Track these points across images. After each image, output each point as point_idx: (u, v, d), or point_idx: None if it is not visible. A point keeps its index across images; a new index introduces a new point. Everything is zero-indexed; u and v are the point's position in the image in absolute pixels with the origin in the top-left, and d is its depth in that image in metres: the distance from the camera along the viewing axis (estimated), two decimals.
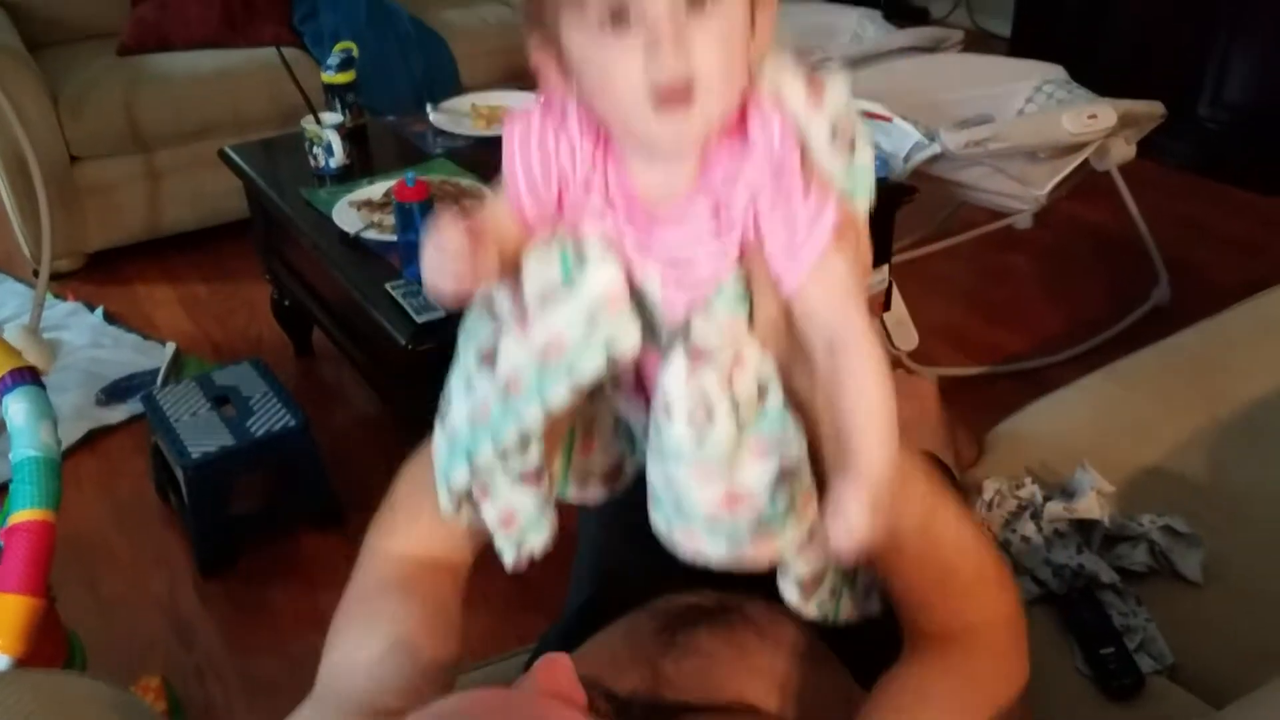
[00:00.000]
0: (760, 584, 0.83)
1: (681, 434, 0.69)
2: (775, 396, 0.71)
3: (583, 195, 0.70)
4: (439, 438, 0.79)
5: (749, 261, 0.69)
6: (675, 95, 0.62)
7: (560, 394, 0.70)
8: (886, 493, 0.67)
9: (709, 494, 0.72)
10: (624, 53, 0.62)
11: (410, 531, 0.89)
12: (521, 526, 0.78)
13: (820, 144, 0.68)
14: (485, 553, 0.85)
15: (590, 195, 0.70)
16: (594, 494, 0.83)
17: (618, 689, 0.80)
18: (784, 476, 0.71)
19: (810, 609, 0.80)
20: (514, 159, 0.70)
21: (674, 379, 0.69)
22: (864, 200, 0.73)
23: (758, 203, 0.67)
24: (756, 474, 0.71)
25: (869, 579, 0.84)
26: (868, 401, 0.67)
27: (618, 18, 0.61)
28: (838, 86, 0.70)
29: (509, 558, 0.79)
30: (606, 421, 0.82)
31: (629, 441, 0.82)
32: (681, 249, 0.68)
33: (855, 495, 0.66)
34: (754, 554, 0.74)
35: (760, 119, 0.66)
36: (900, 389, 1.16)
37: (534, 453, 0.75)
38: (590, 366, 0.69)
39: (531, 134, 0.70)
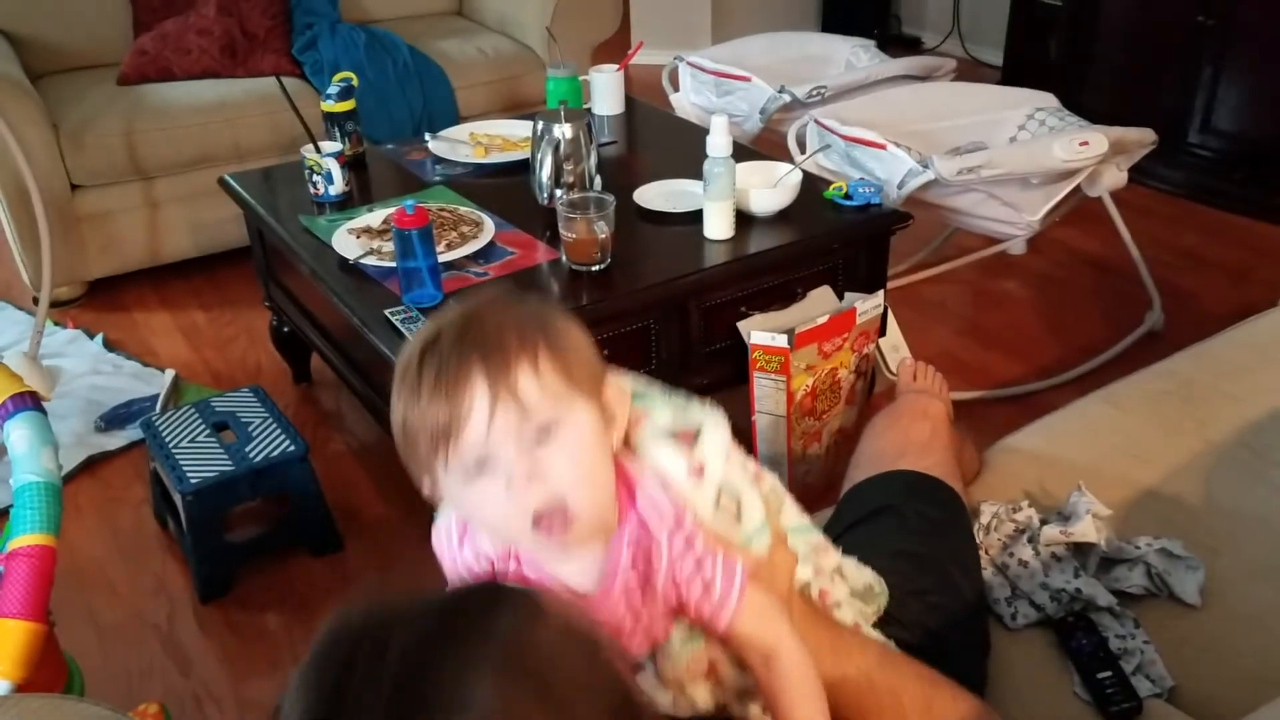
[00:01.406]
0: None
1: (664, 703, 0.83)
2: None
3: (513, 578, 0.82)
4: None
5: (685, 614, 0.79)
6: (550, 517, 0.72)
7: None
8: None
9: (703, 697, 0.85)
10: (492, 490, 0.71)
11: None
12: None
13: (707, 513, 0.79)
14: None
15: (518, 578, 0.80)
16: None
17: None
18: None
19: None
20: (445, 563, 0.82)
21: (647, 684, 0.81)
22: (762, 540, 0.82)
23: (675, 572, 0.77)
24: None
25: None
26: (799, 699, 0.79)
27: (480, 466, 0.70)
28: (715, 455, 0.80)
29: None
30: None
31: None
32: (617, 622, 0.77)
33: None
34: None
35: (650, 505, 0.76)
36: (912, 408, 1.27)
37: None
38: None
39: (450, 545, 0.82)
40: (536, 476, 0.70)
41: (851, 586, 0.96)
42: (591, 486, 0.74)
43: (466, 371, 0.69)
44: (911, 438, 1.33)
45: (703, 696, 0.84)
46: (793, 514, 0.90)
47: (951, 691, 0.91)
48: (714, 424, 0.81)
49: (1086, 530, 1.26)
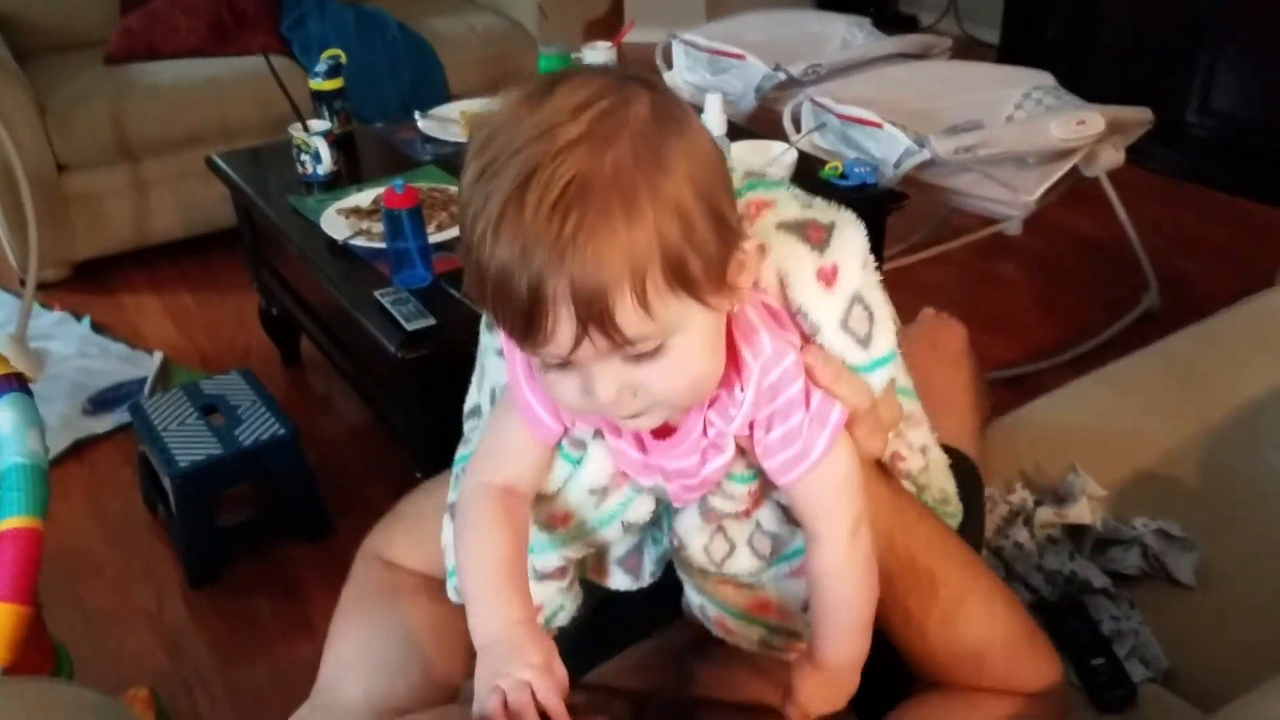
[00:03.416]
0: None
1: (699, 559, 0.72)
2: None
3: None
4: (448, 526, 0.77)
5: (750, 454, 0.67)
6: (625, 416, 0.61)
7: (577, 551, 0.75)
8: (845, 683, 0.69)
9: (736, 599, 0.74)
10: (572, 385, 0.59)
11: (415, 552, 0.88)
12: (547, 615, 0.78)
13: (830, 332, 0.65)
14: None
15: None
16: (621, 582, 0.82)
17: (641, 686, 0.81)
18: None
19: None
20: (521, 388, 0.67)
21: (688, 524, 0.71)
22: (882, 375, 0.67)
23: (753, 423, 0.64)
24: (795, 591, 0.72)
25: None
26: (835, 598, 0.67)
27: (561, 365, 0.59)
28: (852, 257, 0.65)
29: None
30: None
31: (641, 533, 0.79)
32: (679, 463, 0.66)
33: (808, 684, 0.68)
34: (785, 655, 0.77)
35: (751, 345, 0.62)
36: (929, 337, 1.10)
37: (553, 556, 0.75)
38: (606, 536, 0.73)
39: (530, 366, 0.67)
40: (629, 391, 0.58)
41: (930, 483, 0.82)
42: (696, 393, 0.61)
43: (546, 290, 0.53)
44: (931, 380, 1.09)
45: (743, 549, 0.72)
46: (901, 373, 0.75)
47: (990, 598, 0.78)
48: (848, 221, 0.66)
49: (1081, 512, 1.25)
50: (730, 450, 0.65)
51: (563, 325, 0.54)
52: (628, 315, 0.54)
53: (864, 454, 0.67)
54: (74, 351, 2.58)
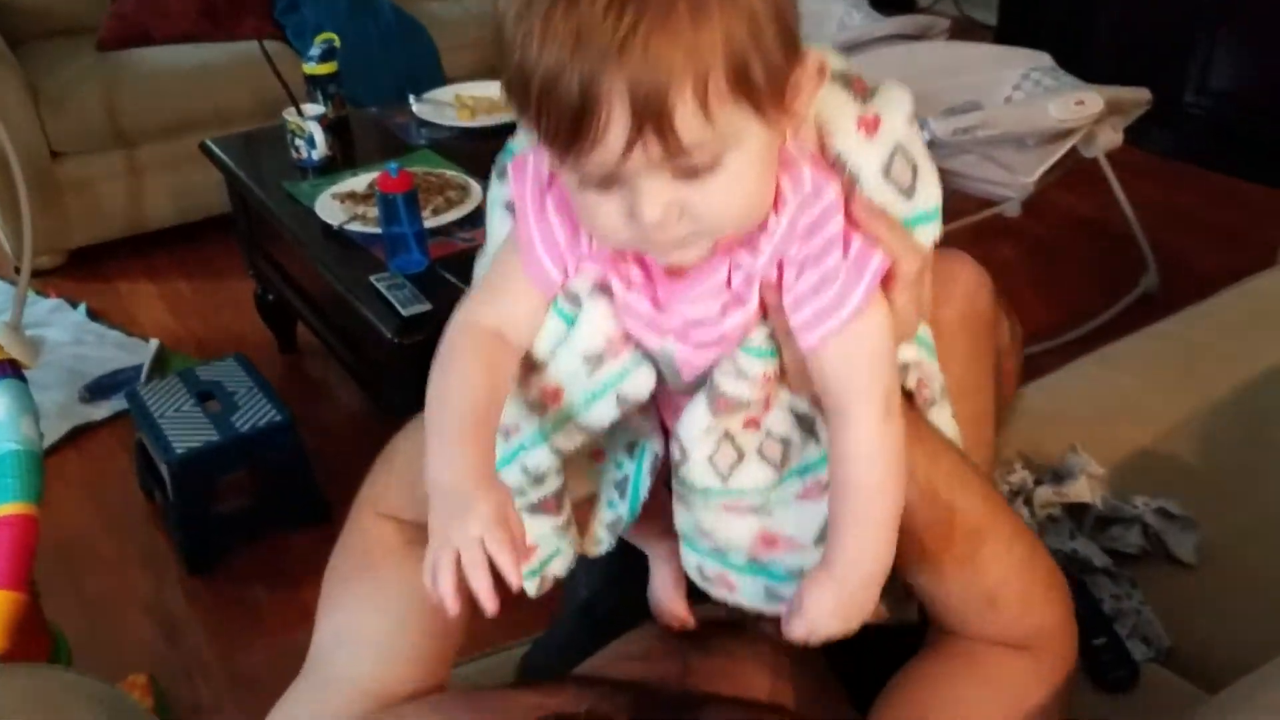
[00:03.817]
0: None
1: (703, 475, 0.66)
2: (826, 432, 0.64)
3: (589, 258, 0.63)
4: None
5: (773, 314, 0.61)
6: (669, 241, 0.56)
7: (569, 440, 0.67)
8: (862, 599, 0.60)
9: (740, 533, 0.68)
10: (614, 209, 0.55)
11: (407, 500, 0.81)
12: (543, 557, 0.74)
13: (871, 180, 0.60)
14: None
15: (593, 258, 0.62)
16: (604, 536, 0.78)
17: (640, 676, 0.79)
18: None
19: None
20: (529, 225, 0.62)
21: (693, 425, 0.65)
22: (929, 231, 0.62)
23: (783, 262, 0.59)
24: (805, 517, 0.67)
25: (907, 587, 0.79)
26: (856, 498, 0.60)
27: (604, 182, 0.54)
28: (896, 111, 0.61)
29: (531, 588, 0.74)
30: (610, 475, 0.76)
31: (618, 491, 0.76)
32: (697, 310, 0.61)
33: (820, 595, 0.60)
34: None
35: (791, 177, 0.58)
36: (942, 274, 0.92)
37: (552, 483, 0.70)
38: (599, 415, 0.65)
39: (530, 186, 0.63)
40: (677, 213, 0.54)
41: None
42: (747, 218, 0.56)
43: (600, 87, 0.49)
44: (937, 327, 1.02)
45: (752, 457, 0.66)
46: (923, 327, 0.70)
47: (1010, 541, 0.72)
48: (897, 85, 0.62)
49: (1081, 490, 1.25)
50: (753, 304, 0.60)
51: (615, 126, 0.50)
52: (687, 118, 0.50)
53: (899, 328, 0.61)
54: (70, 339, 2.57)
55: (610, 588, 1.03)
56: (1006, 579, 0.72)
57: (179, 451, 1.84)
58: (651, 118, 0.50)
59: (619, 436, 0.73)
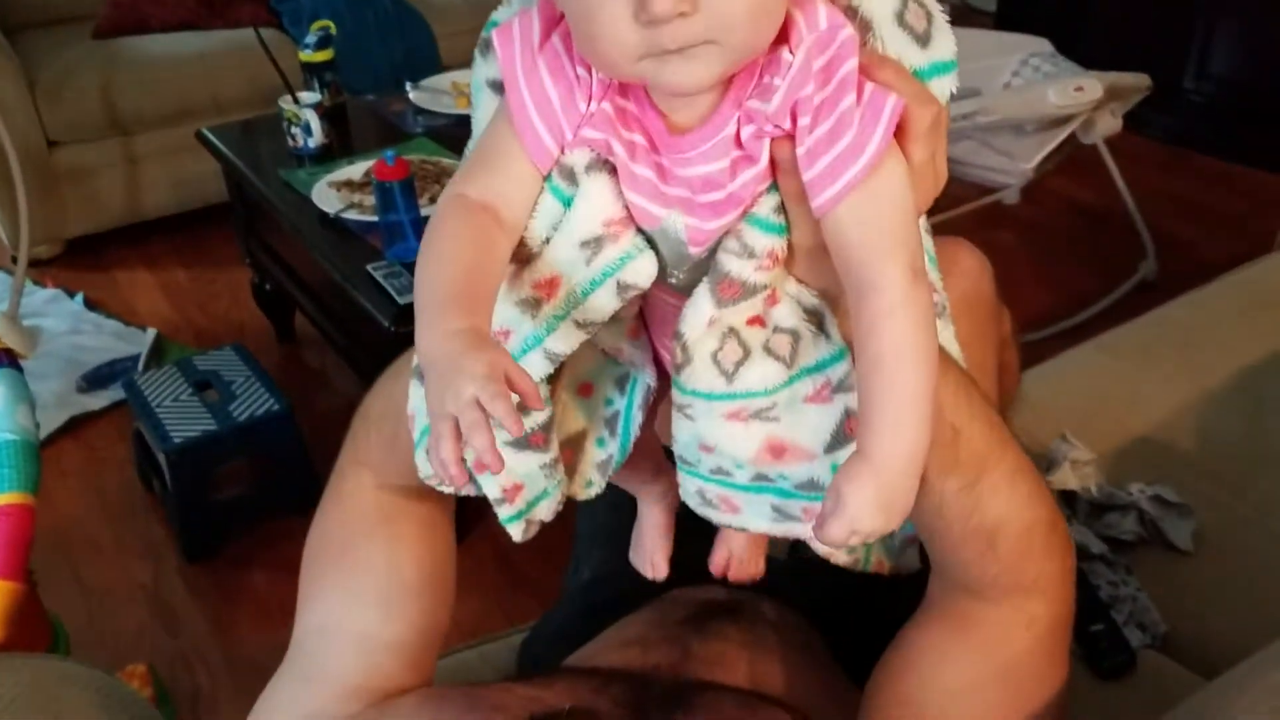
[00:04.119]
0: (765, 586, 0.82)
1: (707, 376, 0.61)
2: (836, 329, 0.60)
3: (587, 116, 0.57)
4: (415, 392, 0.68)
5: (783, 178, 0.55)
6: (679, 44, 0.50)
7: (566, 342, 0.61)
8: (903, 488, 0.55)
9: (746, 443, 0.62)
10: (618, 7, 0.50)
11: (389, 460, 0.76)
12: (529, 498, 0.68)
13: (885, 26, 0.56)
14: (469, 536, 0.80)
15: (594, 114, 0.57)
16: (595, 478, 0.73)
17: (638, 664, 0.79)
18: (852, 430, 0.59)
19: (841, 555, 0.74)
20: (520, 89, 0.57)
21: (696, 319, 0.59)
22: (944, 85, 0.57)
23: (797, 107, 0.53)
24: (814, 423, 0.61)
25: (908, 533, 0.75)
26: (890, 370, 0.54)
27: None
28: None
29: (516, 532, 0.70)
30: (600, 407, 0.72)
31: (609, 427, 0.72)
32: (702, 168, 0.55)
33: (859, 486, 0.54)
34: (803, 530, 0.65)
35: (806, 12, 0.53)
36: (943, 257, 0.82)
37: (540, 414, 0.64)
38: (598, 305, 0.60)
39: (535, 66, 0.57)
40: (690, 3, 0.49)
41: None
42: (760, 24, 0.51)
43: None
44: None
45: (759, 353, 0.61)
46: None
47: (1014, 476, 0.67)
48: None
49: (1065, 478, 1.25)
50: (764, 161, 0.55)
51: None
52: None
53: (917, 188, 0.56)
54: (67, 328, 2.57)
55: (614, 574, 1.02)
56: (1007, 517, 0.67)
57: (177, 441, 1.84)
58: None
59: (609, 370, 0.70)
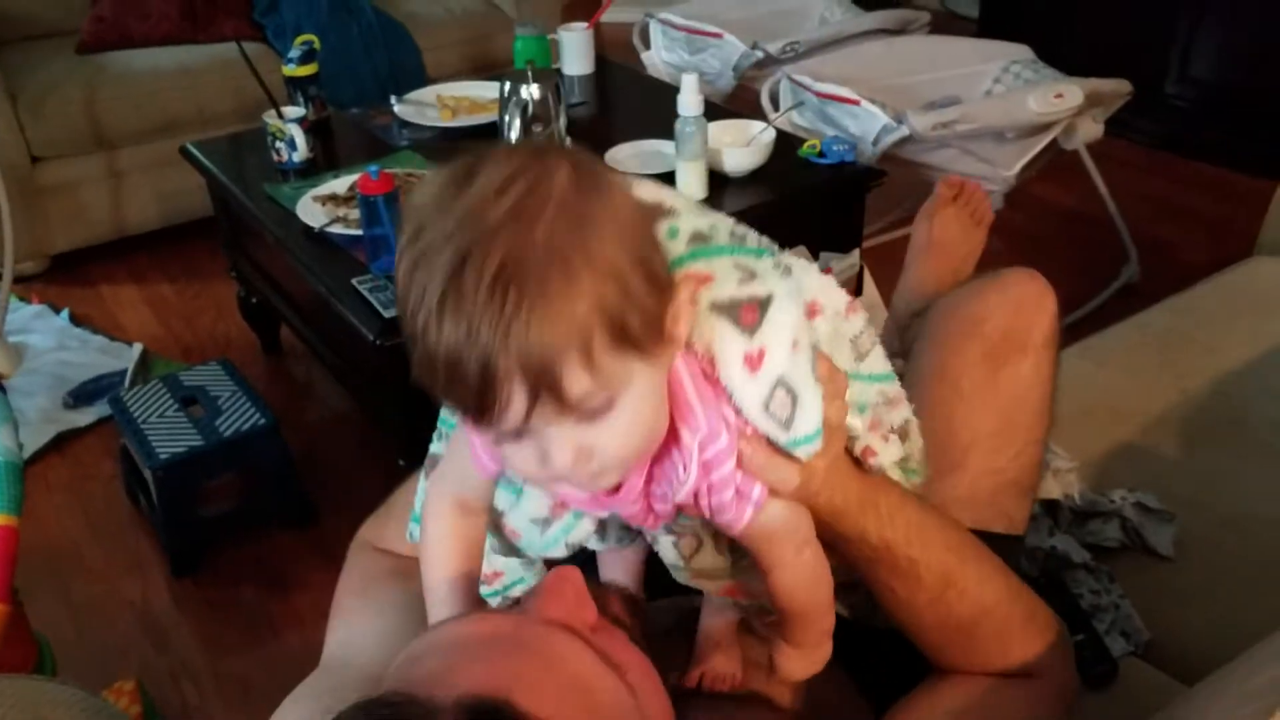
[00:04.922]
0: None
1: (669, 554, 0.76)
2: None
3: None
4: (423, 486, 0.80)
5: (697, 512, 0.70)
6: (577, 482, 0.63)
7: (529, 561, 0.80)
8: (821, 651, 0.75)
9: (709, 586, 0.79)
10: (527, 455, 0.60)
11: (400, 535, 0.90)
12: (507, 582, 0.81)
13: (754, 412, 0.66)
14: None
15: None
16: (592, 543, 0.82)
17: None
18: None
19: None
20: (466, 431, 0.70)
21: (658, 536, 0.75)
22: (810, 448, 0.68)
23: (697, 487, 0.67)
24: (759, 584, 0.74)
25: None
26: (791, 603, 0.72)
27: (514, 435, 0.59)
28: (780, 342, 0.65)
29: (494, 603, 0.82)
30: None
31: None
32: (627, 509, 0.69)
33: (787, 659, 0.75)
34: (765, 629, 0.81)
35: (689, 422, 0.64)
36: (1006, 318, 1.08)
37: (508, 559, 0.79)
38: (553, 553, 0.76)
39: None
40: (585, 455, 0.60)
41: (912, 453, 0.82)
42: (646, 447, 0.63)
43: (496, 367, 0.55)
44: (999, 381, 1.04)
45: (709, 546, 0.76)
46: (878, 360, 0.78)
47: (980, 579, 0.80)
48: (785, 295, 0.66)
49: (1048, 486, 1.26)
50: (672, 505, 0.69)
51: (515, 399, 0.56)
52: (576, 379, 0.56)
53: (799, 511, 0.71)
54: (53, 344, 2.56)
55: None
56: (978, 617, 0.80)
57: (163, 457, 1.84)
58: (545, 386, 0.55)
59: None
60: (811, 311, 0.72)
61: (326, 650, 0.90)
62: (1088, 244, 2.79)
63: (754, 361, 0.64)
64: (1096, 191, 2.54)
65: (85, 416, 2.32)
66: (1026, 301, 1.10)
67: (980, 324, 1.08)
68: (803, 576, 0.71)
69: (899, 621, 0.81)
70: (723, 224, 0.72)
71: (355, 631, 0.89)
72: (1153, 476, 1.32)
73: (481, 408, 0.57)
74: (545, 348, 0.54)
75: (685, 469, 0.65)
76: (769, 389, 0.65)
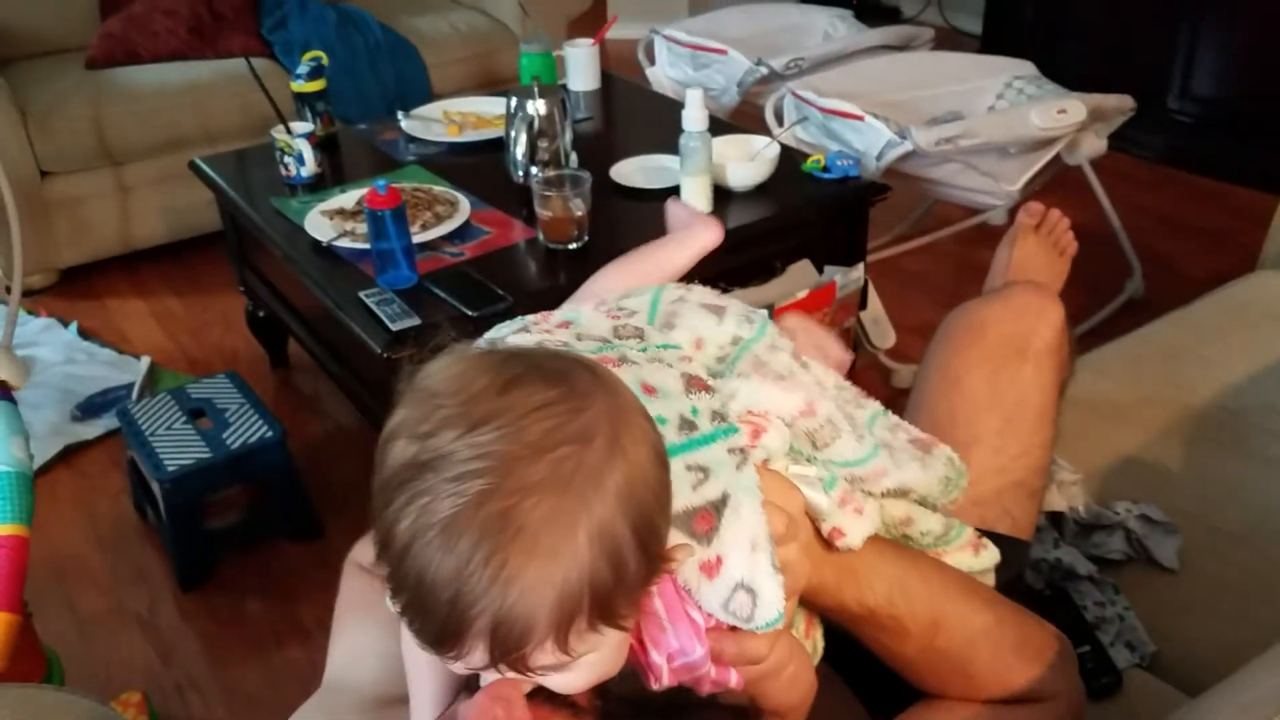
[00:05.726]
0: None
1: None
2: None
3: None
4: None
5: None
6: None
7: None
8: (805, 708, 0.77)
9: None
10: (481, 674, 0.60)
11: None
12: None
13: (714, 610, 0.67)
14: None
15: None
16: None
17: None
18: None
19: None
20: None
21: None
22: (774, 626, 0.69)
23: (673, 683, 0.68)
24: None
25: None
26: (778, 710, 0.75)
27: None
28: (737, 545, 0.66)
29: None
30: None
31: None
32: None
33: None
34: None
35: (659, 645, 0.65)
36: (1008, 326, 1.10)
37: None
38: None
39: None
40: (529, 685, 0.60)
41: (924, 494, 0.85)
42: (596, 682, 0.63)
43: (467, 621, 0.53)
44: (998, 383, 1.05)
45: None
46: (847, 446, 0.78)
47: (965, 621, 0.82)
48: (741, 490, 0.67)
49: (1053, 498, 1.26)
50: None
51: (475, 654, 0.55)
52: (544, 655, 0.55)
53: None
54: (61, 358, 2.57)
55: None
56: (970, 655, 0.82)
57: (170, 470, 1.85)
58: (508, 654, 0.54)
59: None
60: (756, 432, 0.71)
61: (328, 671, 0.91)
62: (1091, 258, 2.78)
63: (711, 569, 0.66)
64: (1099, 206, 2.55)
65: (93, 429, 2.33)
66: (1028, 310, 1.11)
67: (983, 328, 1.11)
68: (787, 698, 0.74)
69: (894, 669, 0.83)
70: (674, 410, 0.69)
71: (353, 652, 0.90)
72: (1157, 489, 1.33)
73: (438, 645, 0.55)
74: (524, 623, 0.53)
75: (658, 680, 0.66)
76: (728, 592, 0.66)
